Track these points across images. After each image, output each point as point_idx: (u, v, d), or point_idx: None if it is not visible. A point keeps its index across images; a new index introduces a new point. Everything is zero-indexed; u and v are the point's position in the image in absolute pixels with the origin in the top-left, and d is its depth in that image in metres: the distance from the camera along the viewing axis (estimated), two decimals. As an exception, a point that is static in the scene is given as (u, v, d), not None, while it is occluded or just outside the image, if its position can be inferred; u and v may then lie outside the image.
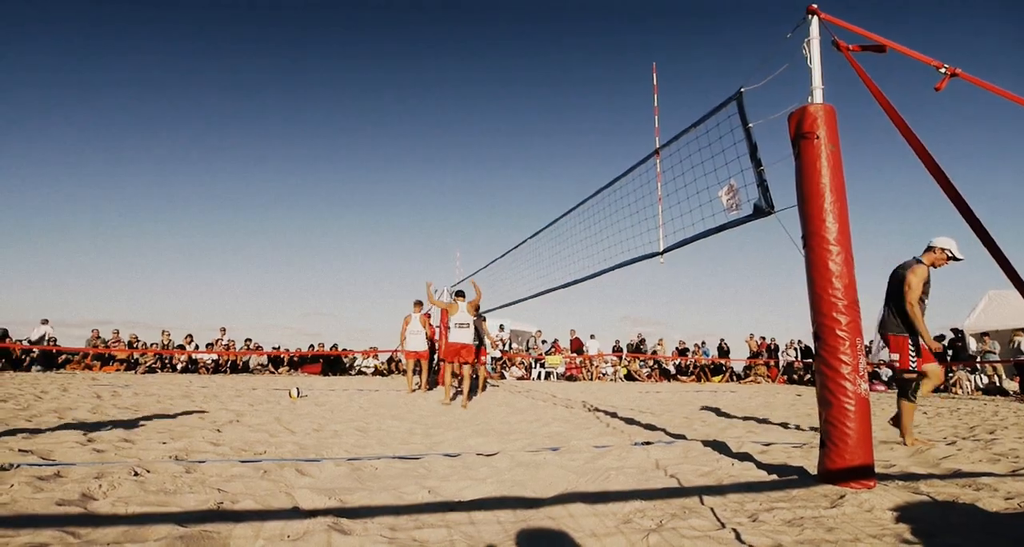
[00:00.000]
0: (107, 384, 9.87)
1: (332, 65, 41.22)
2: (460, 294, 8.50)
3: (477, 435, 4.78)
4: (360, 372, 17.64)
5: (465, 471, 3.25)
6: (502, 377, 17.03)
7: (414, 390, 9.84)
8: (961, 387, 12.90)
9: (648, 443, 4.36)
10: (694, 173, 4.39)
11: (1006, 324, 13.05)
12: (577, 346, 18.73)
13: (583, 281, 6.65)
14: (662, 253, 4.92)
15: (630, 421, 6.07)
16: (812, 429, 5.55)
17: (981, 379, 12.86)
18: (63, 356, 14.88)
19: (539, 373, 17.32)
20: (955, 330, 15.08)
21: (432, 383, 11.55)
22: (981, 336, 13.46)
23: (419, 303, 10.18)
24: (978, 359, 13.19)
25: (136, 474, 2.86)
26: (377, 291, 39.10)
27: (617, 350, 18.83)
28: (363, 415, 6.18)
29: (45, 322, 15.06)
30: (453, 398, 8.20)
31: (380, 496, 2.63)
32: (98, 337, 15.58)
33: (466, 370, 7.87)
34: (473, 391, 9.30)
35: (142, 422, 4.99)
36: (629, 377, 17.72)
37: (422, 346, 9.91)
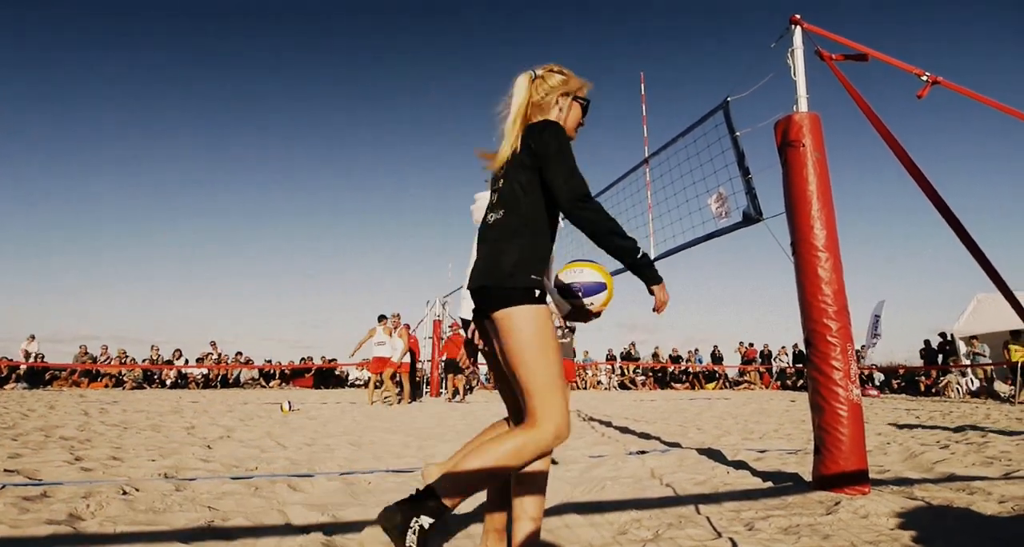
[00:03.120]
0: (95, 401, 9.74)
1: (322, 75, 41.35)
2: (381, 318, 10.66)
3: (471, 447, 4.75)
4: (353, 385, 17.51)
5: (460, 484, 3.22)
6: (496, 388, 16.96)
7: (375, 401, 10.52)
8: (951, 391, 12.99)
9: (643, 452, 4.35)
10: (683, 182, 4.42)
11: (994, 327, 13.16)
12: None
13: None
14: (653, 261, 4.94)
15: (625, 430, 6.06)
16: (806, 435, 5.56)
17: (972, 382, 12.96)
18: (50, 373, 14.67)
19: (533, 383, 17.25)
20: (943, 334, 15.22)
21: (414, 395, 11.68)
22: (970, 339, 13.57)
23: (383, 318, 10.95)
24: (968, 362, 13.29)
25: (125, 493, 2.82)
26: (370, 302, 38.97)
27: (611, 358, 18.83)
28: (356, 428, 6.12)
29: (32, 338, 14.86)
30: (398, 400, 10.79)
31: (374, 511, 2.59)
32: (86, 353, 15.39)
33: (385, 376, 10.04)
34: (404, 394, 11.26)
35: (131, 439, 4.92)
36: (623, 386, 17.71)
37: (385, 354, 10.60)
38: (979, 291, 14.85)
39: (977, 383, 12.89)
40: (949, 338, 14.93)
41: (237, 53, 38.88)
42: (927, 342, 15.72)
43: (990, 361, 12.90)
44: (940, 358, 15.05)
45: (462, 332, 10.71)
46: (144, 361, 15.73)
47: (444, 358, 12.19)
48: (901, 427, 6.39)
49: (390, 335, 10.63)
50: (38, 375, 14.36)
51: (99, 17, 34.02)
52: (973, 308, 14.73)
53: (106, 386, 14.60)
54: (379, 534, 1.84)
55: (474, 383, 16.38)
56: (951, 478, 3.28)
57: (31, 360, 14.47)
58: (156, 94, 36.72)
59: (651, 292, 1.66)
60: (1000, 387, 12.19)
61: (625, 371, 18.35)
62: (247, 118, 39.28)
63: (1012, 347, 12.56)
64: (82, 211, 34.72)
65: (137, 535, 2.18)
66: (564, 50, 45.75)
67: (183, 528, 2.28)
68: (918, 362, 16.07)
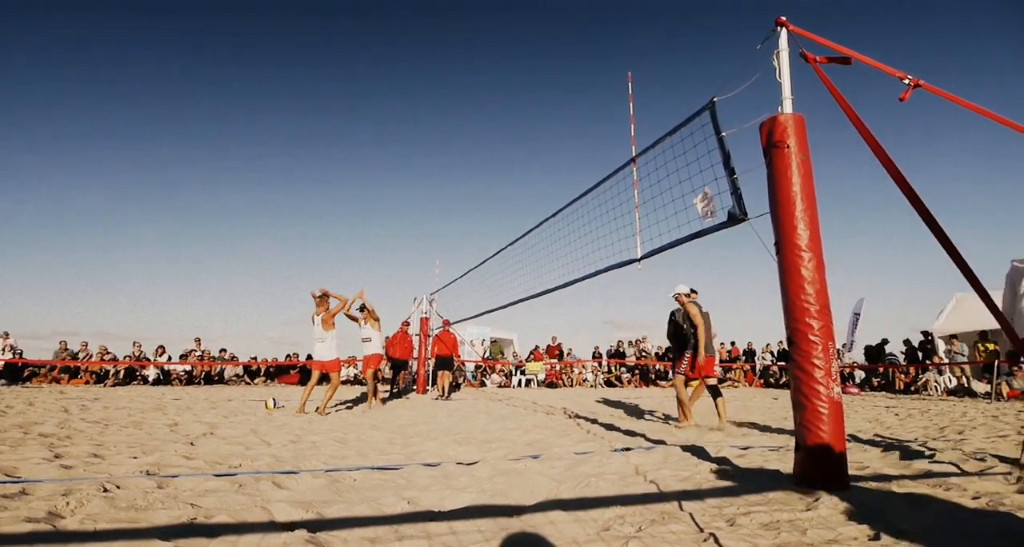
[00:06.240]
0: (75, 398, 9.59)
1: (313, 75, 40.97)
2: (321, 299, 7.72)
3: (457, 444, 4.76)
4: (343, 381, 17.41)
5: (445, 481, 3.22)
6: (482, 385, 16.96)
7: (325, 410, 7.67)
8: (930, 389, 13.22)
9: (628, 449, 4.38)
10: (670, 181, 4.46)
11: (973, 326, 13.41)
12: (556, 353, 18.76)
13: (562, 288, 6.69)
14: (640, 259, 4.97)
15: (610, 427, 6.10)
16: (788, 432, 5.64)
17: (950, 380, 13.20)
18: (29, 369, 14.42)
19: (519, 380, 17.30)
20: (924, 333, 15.47)
21: (440, 389, 11.37)
22: (949, 338, 13.80)
23: (321, 299, 7.79)
24: (946, 361, 13.53)
25: (105, 490, 2.79)
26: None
27: (597, 356, 18.91)
28: (341, 425, 6.10)
29: (6, 336, 14.56)
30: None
31: (359, 508, 2.59)
32: (66, 349, 15.14)
33: (332, 378, 7.70)
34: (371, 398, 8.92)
35: (112, 436, 4.86)
36: (609, 383, 17.80)
37: (327, 356, 7.73)
38: (958, 291, 15.10)
39: (955, 381, 13.13)
40: (929, 337, 15.18)
41: (230, 52, 38.39)
42: (907, 341, 15.97)
43: (966, 360, 13.14)
44: (920, 356, 15.30)
45: (451, 330, 10.43)
46: (126, 358, 15.51)
47: (436, 356, 12.10)
48: (881, 425, 6.50)
49: (331, 326, 7.70)
50: (17, 371, 14.11)
51: (95, 16, 33.40)
52: (952, 307, 14.98)
53: (87, 383, 14.38)
54: None
55: (460, 380, 16.38)
56: (928, 474, 3.34)
57: (9, 356, 14.20)
58: (149, 92, 36.13)
59: None
60: (977, 386, 12.43)
61: (613, 368, 18.45)
62: (236, 117, 38.83)
63: (980, 346, 12.85)
64: (62, 207, 34.11)
65: (118, 533, 2.16)
66: (553, 50, 45.75)
67: (165, 525, 2.26)
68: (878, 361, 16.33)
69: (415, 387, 13.24)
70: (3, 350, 14.30)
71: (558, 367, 18.11)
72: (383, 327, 9.42)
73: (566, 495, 2.86)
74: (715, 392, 6.16)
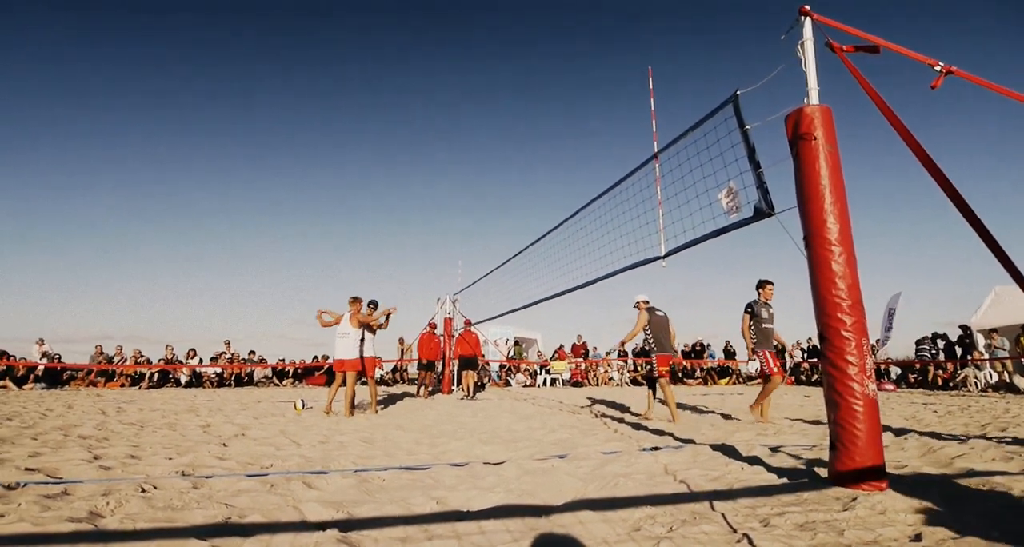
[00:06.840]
0: (112, 400, 9.87)
1: (332, 72, 41.52)
2: (356, 300, 7.88)
3: (483, 444, 4.77)
4: (364, 382, 17.60)
5: (473, 481, 3.23)
6: (507, 384, 16.97)
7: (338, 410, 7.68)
8: (970, 385, 12.80)
9: (656, 448, 4.34)
10: (693, 176, 4.40)
11: (1013, 320, 12.95)
12: (581, 351, 18.68)
13: (586, 286, 6.65)
14: (664, 257, 4.92)
15: (637, 426, 6.04)
16: (821, 430, 5.52)
17: (991, 376, 12.76)
18: (67, 373, 14.89)
19: (544, 380, 17.27)
20: (963, 327, 14.99)
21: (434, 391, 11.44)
22: (989, 333, 13.34)
23: (356, 300, 7.96)
24: (987, 356, 13.09)
25: (143, 490, 2.86)
26: (382, 300, 39.04)
27: (623, 355, 18.78)
28: (367, 426, 6.16)
29: (41, 342, 15.01)
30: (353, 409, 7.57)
31: (388, 508, 2.61)
32: (101, 353, 15.59)
33: (349, 379, 7.53)
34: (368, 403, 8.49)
35: (147, 438, 4.98)
36: (635, 381, 17.66)
37: (350, 354, 7.67)
38: (997, 284, 14.61)
39: (996, 377, 12.70)
40: (968, 331, 14.70)
41: (245, 52, 39.12)
42: (944, 336, 15.49)
43: (1008, 355, 12.70)
44: (959, 352, 14.82)
45: (474, 330, 10.30)
46: (159, 361, 15.92)
47: (460, 356, 12.15)
48: (919, 422, 6.32)
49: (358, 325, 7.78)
50: (56, 375, 14.58)
51: (99, 15, 34.34)
52: (991, 301, 14.49)
53: (122, 385, 14.79)
54: None
55: (486, 380, 16.41)
56: (970, 473, 3.23)
57: (48, 361, 14.67)
58: (168, 92, 37.03)
59: None
60: (1020, 382, 12.00)
61: (639, 367, 18.29)
62: (261, 119, 39.56)
63: (1023, 340, 12.39)
64: (96, 212, 35.15)
65: (156, 532, 2.21)
66: (571, 45, 45.58)
67: (201, 525, 2.31)
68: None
69: (440, 387, 13.31)
70: (40, 356, 14.77)
71: (583, 366, 18.03)
72: (383, 333, 9.04)
73: (594, 495, 2.84)
74: (650, 384, 7.02)
